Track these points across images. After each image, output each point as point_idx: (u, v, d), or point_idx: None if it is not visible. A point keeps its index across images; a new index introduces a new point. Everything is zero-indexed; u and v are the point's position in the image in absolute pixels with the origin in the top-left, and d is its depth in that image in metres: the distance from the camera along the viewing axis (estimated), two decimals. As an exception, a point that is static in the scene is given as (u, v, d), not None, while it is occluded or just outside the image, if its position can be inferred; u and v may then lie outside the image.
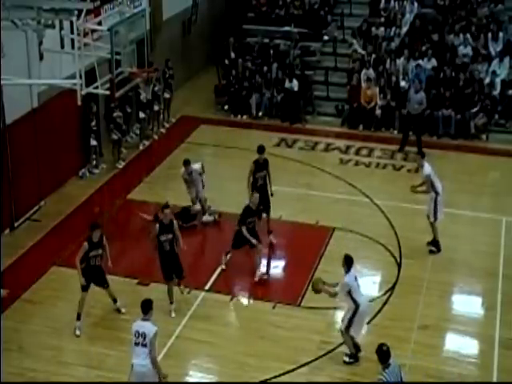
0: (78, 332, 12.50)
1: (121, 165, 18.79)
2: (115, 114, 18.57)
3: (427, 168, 15.03)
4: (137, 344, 10.47)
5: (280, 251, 15.49)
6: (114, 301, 13.08)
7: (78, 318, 12.58)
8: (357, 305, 11.63)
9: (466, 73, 20.89)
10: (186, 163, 15.88)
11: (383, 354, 9.67)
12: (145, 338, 10.38)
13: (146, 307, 10.61)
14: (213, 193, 16.60)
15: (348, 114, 21.50)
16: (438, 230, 15.04)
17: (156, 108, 20.33)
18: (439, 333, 12.89)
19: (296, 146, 20.30)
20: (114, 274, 14.24)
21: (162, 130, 20.92)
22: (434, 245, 15.13)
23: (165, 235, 12.99)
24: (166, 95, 20.99)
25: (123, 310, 13.04)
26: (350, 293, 11.64)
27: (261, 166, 15.35)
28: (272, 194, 15.37)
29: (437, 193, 14.94)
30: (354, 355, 11.95)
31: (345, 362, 11.95)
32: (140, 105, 19.90)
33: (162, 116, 21.03)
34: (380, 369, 9.67)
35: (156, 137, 20.54)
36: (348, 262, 11.86)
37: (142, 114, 19.95)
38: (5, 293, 10.83)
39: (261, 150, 15.40)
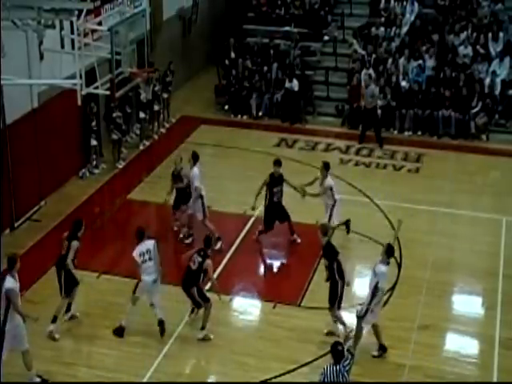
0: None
1: (121, 165, 18.79)
2: (115, 114, 18.57)
3: (330, 180, 15.06)
4: (144, 261, 12.30)
5: (280, 251, 15.50)
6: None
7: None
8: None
9: (466, 73, 20.88)
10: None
11: (337, 353, 9.97)
12: (150, 253, 12.27)
13: (140, 235, 12.47)
14: (213, 193, 16.59)
15: (348, 114, 21.50)
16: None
17: (156, 108, 20.33)
18: (439, 333, 12.89)
19: (296, 146, 20.30)
20: (114, 274, 14.33)
21: (162, 130, 20.92)
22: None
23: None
24: (164, 95, 20.99)
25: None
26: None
27: (276, 181, 15.13)
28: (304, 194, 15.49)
29: (335, 201, 14.99)
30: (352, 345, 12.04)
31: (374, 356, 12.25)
32: (140, 105, 19.90)
33: (162, 116, 21.04)
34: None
35: (156, 137, 20.55)
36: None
37: (142, 114, 19.96)
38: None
39: (278, 163, 15.15)
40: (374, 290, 11.82)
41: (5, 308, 10.88)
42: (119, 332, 12.48)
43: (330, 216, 14.99)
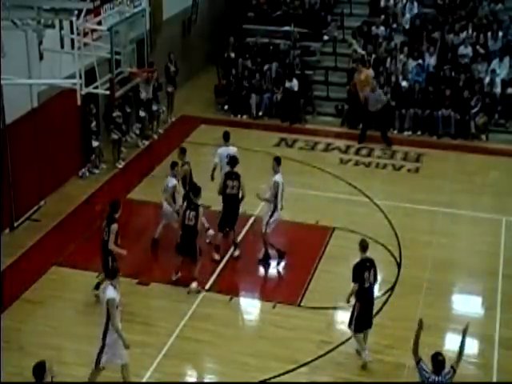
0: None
1: (121, 164, 18.79)
2: (115, 114, 18.57)
3: (279, 177, 14.34)
4: None
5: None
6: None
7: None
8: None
9: (466, 72, 20.89)
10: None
11: (437, 363, 9.58)
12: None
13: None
14: (212, 193, 16.58)
15: (347, 113, 21.50)
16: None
17: (155, 108, 20.30)
18: (439, 332, 12.88)
19: (296, 145, 20.30)
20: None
21: (160, 130, 20.89)
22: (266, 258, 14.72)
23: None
24: (169, 89, 20.97)
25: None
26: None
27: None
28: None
29: (275, 206, 14.41)
30: None
31: None
32: (140, 104, 19.89)
33: (164, 113, 21.02)
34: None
35: (155, 136, 20.54)
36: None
37: (142, 113, 19.96)
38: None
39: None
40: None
41: (106, 319, 10.78)
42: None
43: (266, 224, 14.39)
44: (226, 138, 15.93)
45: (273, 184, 14.33)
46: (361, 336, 11.86)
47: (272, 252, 14.71)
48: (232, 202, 14.72)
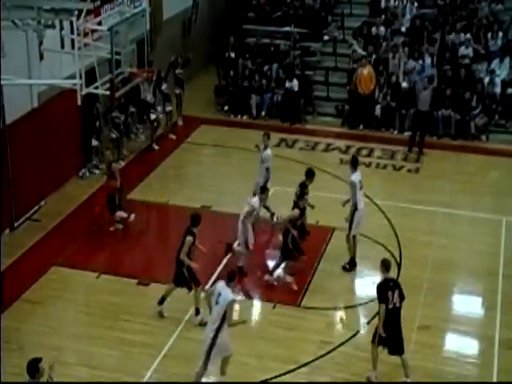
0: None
1: (120, 165, 18.77)
2: (114, 114, 18.56)
3: (356, 175, 14.30)
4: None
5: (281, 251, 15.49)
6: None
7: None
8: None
9: (466, 73, 20.89)
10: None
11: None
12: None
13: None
14: (212, 193, 16.62)
15: (348, 113, 21.51)
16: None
17: (159, 109, 20.25)
18: (439, 333, 12.89)
19: (296, 146, 20.30)
20: (114, 274, 14.33)
21: (158, 132, 20.86)
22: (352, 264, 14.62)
23: None
24: (176, 91, 20.97)
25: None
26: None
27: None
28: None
29: (355, 206, 14.31)
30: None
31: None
32: (147, 106, 19.83)
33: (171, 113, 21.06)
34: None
35: (173, 136, 20.48)
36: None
37: (152, 116, 19.83)
38: None
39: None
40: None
41: (221, 320, 10.73)
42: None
43: (350, 228, 14.34)
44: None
45: (350, 184, 14.35)
46: (376, 350, 11.47)
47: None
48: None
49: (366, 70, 20.96)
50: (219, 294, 10.80)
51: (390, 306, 11.21)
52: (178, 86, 21.10)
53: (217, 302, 10.80)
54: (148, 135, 20.16)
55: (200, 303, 12.58)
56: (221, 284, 10.95)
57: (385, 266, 11.46)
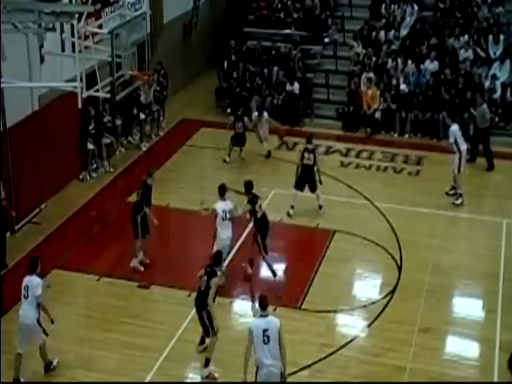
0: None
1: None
2: (105, 119, 18.54)
3: (455, 126, 16.93)
4: (224, 219, 13.20)
5: (281, 254, 15.50)
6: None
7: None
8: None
9: (466, 76, 20.88)
10: None
11: None
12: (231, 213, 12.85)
13: (222, 191, 13.25)
14: (213, 196, 16.59)
15: (346, 117, 21.50)
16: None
17: (154, 109, 20.32)
18: (440, 335, 12.88)
19: (297, 148, 20.25)
20: (114, 277, 14.33)
21: (161, 133, 20.91)
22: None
23: None
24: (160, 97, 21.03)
25: None
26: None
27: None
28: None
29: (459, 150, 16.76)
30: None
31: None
32: (140, 106, 19.91)
33: (161, 118, 21.10)
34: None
35: (153, 136, 20.55)
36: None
37: (142, 116, 19.98)
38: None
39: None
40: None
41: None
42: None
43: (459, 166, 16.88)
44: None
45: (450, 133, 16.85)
46: None
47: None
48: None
49: (371, 91, 21.00)
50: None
51: None
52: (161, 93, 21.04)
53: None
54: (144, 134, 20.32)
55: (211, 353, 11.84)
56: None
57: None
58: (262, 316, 10.39)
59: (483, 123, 19.26)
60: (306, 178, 16.43)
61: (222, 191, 13.81)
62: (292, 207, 16.54)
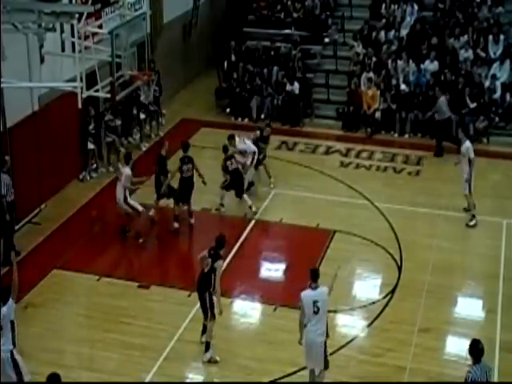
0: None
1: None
2: (107, 118, 18.55)
3: (467, 143, 16.16)
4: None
5: (281, 254, 15.51)
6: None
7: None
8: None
9: (466, 76, 20.88)
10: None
11: (477, 351, 9.56)
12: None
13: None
14: (213, 196, 16.62)
15: (346, 117, 21.50)
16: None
17: (151, 108, 20.32)
18: (440, 336, 12.88)
19: (296, 148, 20.29)
20: (114, 277, 14.33)
21: (161, 133, 20.91)
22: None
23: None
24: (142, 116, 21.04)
25: None
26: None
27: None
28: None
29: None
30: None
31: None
32: (140, 106, 19.90)
33: (161, 118, 21.09)
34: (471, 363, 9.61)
35: (153, 135, 20.55)
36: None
37: (142, 116, 19.98)
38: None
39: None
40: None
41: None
42: None
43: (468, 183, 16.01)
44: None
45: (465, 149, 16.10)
46: None
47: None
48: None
49: (371, 91, 21.00)
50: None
51: None
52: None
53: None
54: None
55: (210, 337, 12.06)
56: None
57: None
58: (312, 288, 10.89)
59: (441, 115, 19.75)
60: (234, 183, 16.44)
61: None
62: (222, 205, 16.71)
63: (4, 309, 10.34)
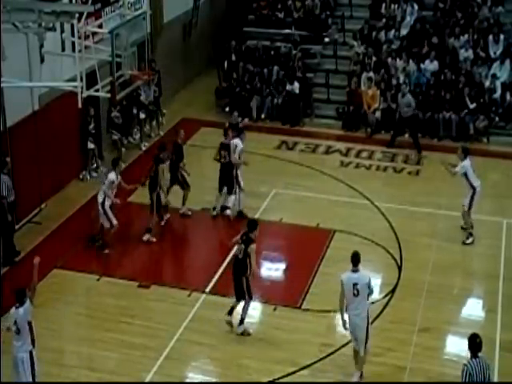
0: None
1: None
2: (113, 115, 18.56)
3: (467, 161, 15.53)
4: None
5: (281, 253, 15.51)
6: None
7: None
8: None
9: (467, 76, 20.89)
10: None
11: (475, 345, 9.56)
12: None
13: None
14: (213, 196, 16.62)
15: (346, 117, 21.51)
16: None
17: (150, 108, 20.33)
18: (440, 335, 12.89)
19: (297, 148, 20.29)
20: (114, 276, 14.33)
21: (161, 133, 20.90)
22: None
23: None
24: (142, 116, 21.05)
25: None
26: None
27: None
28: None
29: (473, 187, 15.38)
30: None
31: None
32: (140, 106, 19.90)
33: (161, 118, 21.08)
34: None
35: (153, 134, 20.55)
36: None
37: (142, 115, 19.99)
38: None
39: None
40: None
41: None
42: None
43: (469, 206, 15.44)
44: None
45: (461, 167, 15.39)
46: None
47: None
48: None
49: (371, 91, 21.01)
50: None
51: None
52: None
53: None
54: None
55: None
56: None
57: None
58: (353, 271, 11.07)
59: (407, 112, 19.82)
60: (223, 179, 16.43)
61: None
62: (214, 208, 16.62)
63: (21, 310, 10.45)
